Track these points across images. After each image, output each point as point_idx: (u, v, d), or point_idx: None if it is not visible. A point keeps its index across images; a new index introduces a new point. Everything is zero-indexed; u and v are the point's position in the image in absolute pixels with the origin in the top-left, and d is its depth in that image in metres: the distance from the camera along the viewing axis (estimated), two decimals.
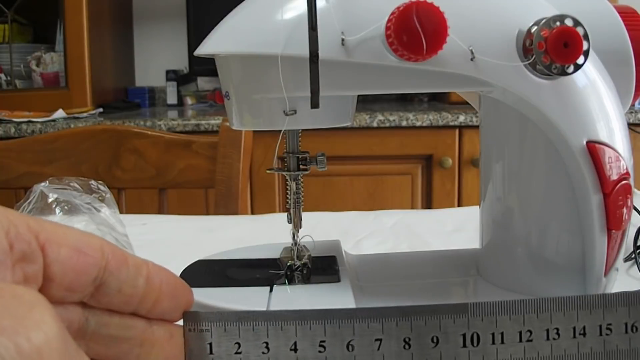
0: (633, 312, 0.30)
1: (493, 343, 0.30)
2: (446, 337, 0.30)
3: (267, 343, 0.29)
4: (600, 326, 0.30)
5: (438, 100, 2.00)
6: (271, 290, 0.43)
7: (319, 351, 0.29)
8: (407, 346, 0.29)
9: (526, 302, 0.30)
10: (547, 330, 0.30)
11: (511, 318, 0.30)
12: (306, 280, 0.45)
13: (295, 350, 0.29)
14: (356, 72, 0.39)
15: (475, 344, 0.30)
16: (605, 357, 0.30)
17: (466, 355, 0.30)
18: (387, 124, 1.61)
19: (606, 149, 0.39)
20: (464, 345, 0.30)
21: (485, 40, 0.38)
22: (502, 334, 0.30)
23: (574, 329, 0.30)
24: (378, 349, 0.29)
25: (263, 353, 0.29)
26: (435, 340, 0.30)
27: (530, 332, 0.30)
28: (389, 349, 0.29)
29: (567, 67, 0.38)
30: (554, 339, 0.30)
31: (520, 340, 0.30)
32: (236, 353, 0.29)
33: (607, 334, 0.30)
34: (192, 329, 0.29)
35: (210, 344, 0.29)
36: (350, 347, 0.29)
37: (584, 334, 0.30)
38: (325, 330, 0.29)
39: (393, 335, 0.29)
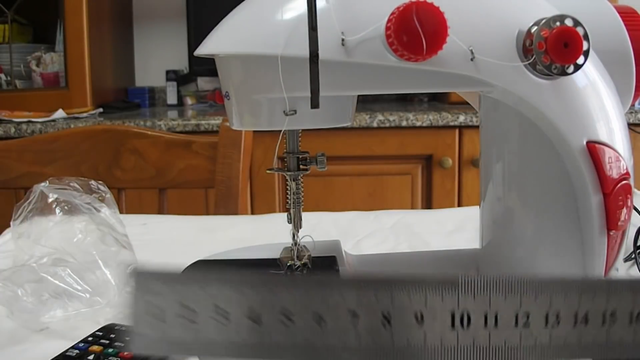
0: (638, 300, 0.27)
1: (485, 325, 0.26)
2: (432, 315, 0.26)
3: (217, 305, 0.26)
4: (604, 314, 0.27)
5: (438, 100, 2.00)
6: None
7: (282, 321, 0.25)
8: (386, 322, 0.26)
9: (524, 281, 0.26)
10: (547, 315, 0.26)
11: (507, 298, 0.26)
12: None
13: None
14: (356, 72, 0.39)
15: (465, 326, 0.26)
16: (607, 348, 0.27)
17: (454, 338, 0.26)
18: (387, 124, 1.61)
19: (606, 149, 0.39)
20: (452, 326, 0.26)
21: (485, 40, 0.38)
22: (495, 315, 0.26)
23: (576, 315, 0.27)
24: (353, 325, 0.25)
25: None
26: (419, 317, 0.26)
27: (528, 315, 0.26)
28: (365, 325, 0.25)
29: (567, 67, 0.38)
30: (552, 326, 0.27)
31: (517, 325, 0.26)
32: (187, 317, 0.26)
33: (610, 325, 0.27)
34: (139, 288, 0.26)
35: (159, 305, 0.26)
36: (320, 321, 0.25)
37: (586, 322, 0.27)
38: (295, 299, 0.25)
39: (370, 309, 0.25)
